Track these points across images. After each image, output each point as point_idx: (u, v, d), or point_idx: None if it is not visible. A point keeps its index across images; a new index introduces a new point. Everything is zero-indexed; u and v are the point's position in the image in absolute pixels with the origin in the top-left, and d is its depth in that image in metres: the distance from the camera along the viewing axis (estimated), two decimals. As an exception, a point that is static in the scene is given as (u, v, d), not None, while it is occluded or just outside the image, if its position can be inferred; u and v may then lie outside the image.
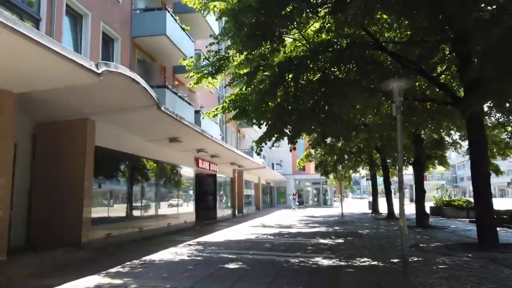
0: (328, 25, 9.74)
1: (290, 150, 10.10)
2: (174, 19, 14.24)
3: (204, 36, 17.35)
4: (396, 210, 21.31)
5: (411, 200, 32.07)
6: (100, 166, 9.69)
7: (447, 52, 10.28)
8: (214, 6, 9.33)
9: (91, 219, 9.06)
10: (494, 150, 17.82)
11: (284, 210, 31.92)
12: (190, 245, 10.04)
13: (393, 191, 23.54)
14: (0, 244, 6.39)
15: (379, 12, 9.73)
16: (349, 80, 9.26)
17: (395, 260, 7.51)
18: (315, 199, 44.85)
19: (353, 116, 11.20)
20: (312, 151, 24.22)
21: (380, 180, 27.89)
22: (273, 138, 10.37)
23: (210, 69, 10.64)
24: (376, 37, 9.87)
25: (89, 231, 8.80)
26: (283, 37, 9.35)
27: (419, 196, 14.76)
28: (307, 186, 44.93)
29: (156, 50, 14.55)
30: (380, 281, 5.92)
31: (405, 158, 18.15)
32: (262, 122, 10.78)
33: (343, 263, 7.27)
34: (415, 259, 7.46)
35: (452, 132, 16.35)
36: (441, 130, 14.22)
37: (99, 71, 6.25)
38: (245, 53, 9.49)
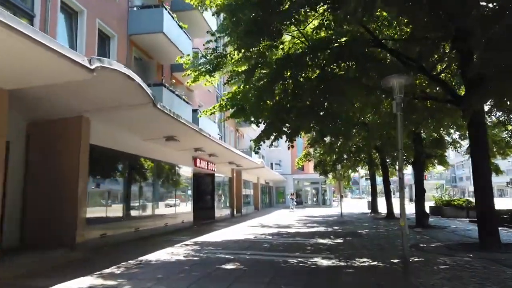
0: (327, 22, 9.62)
1: (288, 148, 9.96)
2: (172, 16, 14.09)
3: (202, 35, 17.20)
4: (396, 210, 21.24)
5: (411, 200, 31.95)
6: (96, 165, 9.53)
7: (447, 50, 10.14)
8: (211, 1, 9.18)
9: (86, 219, 8.91)
10: (494, 150, 17.71)
11: (283, 210, 31.79)
12: (187, 245, 9.89)
13: (392, 191, 23.45)
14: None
15: (379, 10, 9.64)
16: (349, 78, 9.12)
17: (395, 260, 7.37)
18: (314, 199, 44.74)
19: (352, 115, 11.06)
20: (311, 150, 24.09)
21: (379, 179, 27.82)
22: (272, 137, 10.24)
23: (208, 67, 10.48)
24: (375, 35, 9.74)
25: (84, 231, 8.65)
26: (282, 34, 9.19)
27: (419, 196, 14.64)
28: (306, 186, 44.84)
29: (153, 48, 14.39)
30: (380, 281, 5.78)
31: (404, 157, 18.02)
32: (260, 120, 10.64)
33: (342, 264, 7.13)
34: (416, 259, 7.32)
35: (451, 131, 16.26)
36: (442, 129, 14.09)
37: (92, 67, 6.10)
38: (242, 50, 9.36)
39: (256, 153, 10.48)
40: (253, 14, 8.11)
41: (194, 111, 16.38)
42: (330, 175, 26.84)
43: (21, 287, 5.64)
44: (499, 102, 8.82)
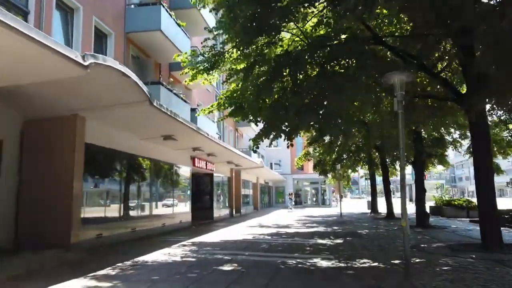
0: (326, 19, 9.47)
1: (287, 147, 9.80)
2: (170, 14, 13.92)
3: (200, 33, 17.02)
4: (396, 209, 21.12)
5: (411, 200, 31.84)
6: (91, 164, 9.38)
7: (448, 48, 9.99)
8: (208, -3, 9.03)
9: (82, 219, 8.75)
10: (495, 149, 17.58)
11: (283, 210, 31.64)
12: (184, 245, 9.74)
13: (392, 190, 23.31)
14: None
15: (379, 7, 9.51)
16: (348, 75, 8.97)
17: (396, 261, 7.23)
18: (314, 199, 44.61)
19: (352, 113, 10.90)
20: (311, 150, 23.94)
21: (378, 179, 27.68)
22: (271, 136, 10.09)
23: (206, 65, 10.33)
24: (375, 32, 9.59)
25: (79, 231, 8.48)
26: (280, 30, 9.05)
27: (420, 196, 14.48)
28: (305, 186, 44.70)
29: (151, 46, 14.22)
30: (381, 283, 5.64)
31: (406, 157, 17.88)
32: (259, 119, 10.48)
33: (342, 265, 6.98)
34: (417, 260, 7.17)
35: (452, 130, 16.11)
36: (442, 128, 13.94)
37: (86, 64, 5.94)
38: (241, 48, 9.21)
39: (255, 152, 10.34)
40: (251, 11, 7.95)
41: (193, 110, 16.22)
42: (329, 175, 26.69)
43: (12, 289, 5.50)
44: (501, 100, 8.69)
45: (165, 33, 13.34)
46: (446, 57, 10.39)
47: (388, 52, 10.08)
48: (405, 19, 10.17)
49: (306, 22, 10.01)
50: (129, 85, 7.50)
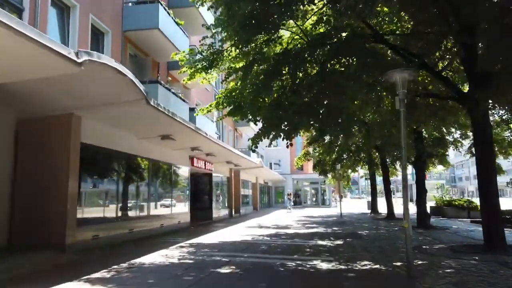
0: (326, 17, 9.32)
1: (287, 146, 9.63)
2: (168, 12, 13.76)
3: (199, 32, 16.79)
4: (396, 210, 20.97)
5: (411, 200, 31.68)
6: (88, 164, 9.21)
7: (449, 46, 9.83)
8: (206, -6, 8.87)
9: (78, 220, 8.58)
10: (496, 149, 17.41)
11: (282, 210, 31.47)
12: (182, 247, 9.58)
13: (392, 191, 23.16)
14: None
15: (380, 4, 9.37)
16: (349, 74, 8.82)
17: (398, 263, 7.08)
18: (314, 199, 44.46)
19: (352, 113, 10.74)
20: (310, 149, 23.79)
21: (379, 179, 27.52)
22: (271, 136, 9.93)
23: (204, 64, 10.17)
24: (376, 30, 9.44)
25: (74, 232, 8.31)
26: (279, 27, 8.89)
27: (420, 196, 14.32)
28: (305, 186, 44.55)
29: (148, 45, 14.06)
30: (384, 287, 5.48)
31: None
32: (258, 118, 10.33)
33: (343, 267, 6.82)
34: (419, 262, 7.01)
35: (452, 130, 15.97)
36: (444, 128, 13.78)
37: (80, 61, 5.78)
38: (239, 46, 9.05)
39: (253, 151, 10.16)
40: (250, 7, 7.79)
41: (191, 110, 16.06)
42: (329, 175, 26.54)
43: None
44: (505, 99, 8.54)
45: (163, 31, 13.18)
46: (447, 56, 10.25)
47: (389, 51, 9.94)
48: (406, 17, 10.06)
49: (305, 20, 9.87)
50: (125, 83, 7.34)
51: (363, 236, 11.91)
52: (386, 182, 21.73)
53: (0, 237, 7.79)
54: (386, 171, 21.58)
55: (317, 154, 23.53)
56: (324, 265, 6.97)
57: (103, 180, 10.55)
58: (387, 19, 10.29)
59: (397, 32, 10.00)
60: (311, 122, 9.28)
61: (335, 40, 9.08)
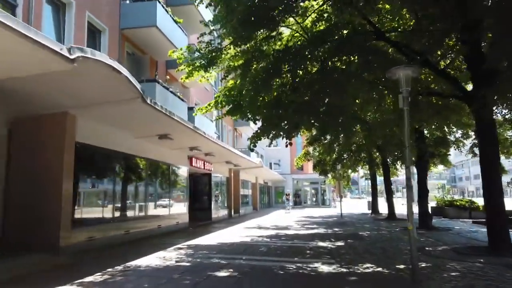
0: (327, 14, 9.14)
1: (286, 146, 9.42)
2: (166, 10, 13.55)
3: (198, 31, 16.53)
4: (397, 210, 20.77)
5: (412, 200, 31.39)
6: (83, 164, 9.01)
7: (452, 44, 9.63)
8: (204, -10, 8.67)
9: (72, 221, 8.38)
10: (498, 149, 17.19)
11: (282, 210, 31.23)
12: (180, 248, 9.38)
13: (392, 191, 22.96)
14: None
15: (381, 2, 9.18)
16: (350, 72, 8.62)
17: (401, 266, 6.87)
18: (314, 199, 44.25)
19: (354, 112, 10.55)
20: (311, 149, 23.59)
21: (379, 179, 27.31)
22: (270, 135, 9.73)
23: (202, 62, 9.96)
24: (377, 27, 9.24)
25: (69, 234, 8.10)
26: (279, 23, 8.69)
27: (422, 196, 14.11)
28: (305, 186, 44.34)
29: (146, 43, 13.85)
30: (387, 291, 5.29)
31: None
32: (257, 117, 10.13)
33: (344, 270, 6.62)
34: (423, 265, 6.80)
35: (454, 129, 15.76)
36: (446, 127, 13.57)
37: (72, 57, 5.59)
38: (238, 43, 8.85)
39: (252, 150, 9.93)
40: (249, 3, 7.59)
41: (190, 109, 15.84)
42: (329, 175, 26.34)
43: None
44: (506, 98, 8.33)
45: (161, 29, 12.97)
46: (450, 54, 10.05)
47: (390, 49, 9.74)
48: (407, 16, 9.87)
49: (305, 18, 9.68)
50: (121, 81, 7.13)
51: (364, 237, 11.71)
52: (387, 182, 21.53)
53: (-8, 239, 7.61)
54: (387, 171, 21.37)
55: (317, 154, 23.33)
56: (325, 268, 6.77)
57: (99, 180, 10.34)
58: (389, 16, 10.10)
59: (399, 29, 9.79)
60: (312, 121, 9.07)
61: (336, 37, 8.90)
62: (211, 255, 8.35)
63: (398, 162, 20.56)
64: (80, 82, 6.95)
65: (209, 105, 11.44)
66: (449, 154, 18.42)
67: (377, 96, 10.28)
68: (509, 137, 17.06)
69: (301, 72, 8.81)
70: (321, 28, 9.40)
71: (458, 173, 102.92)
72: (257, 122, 10.11)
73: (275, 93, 9.30)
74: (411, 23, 9.66)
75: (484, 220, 15.78)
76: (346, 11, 8.50)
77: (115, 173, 10.93)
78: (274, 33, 8.70)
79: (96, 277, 6.03)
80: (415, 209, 15.24)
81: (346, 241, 10.76)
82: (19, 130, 8.22)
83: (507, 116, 13.84)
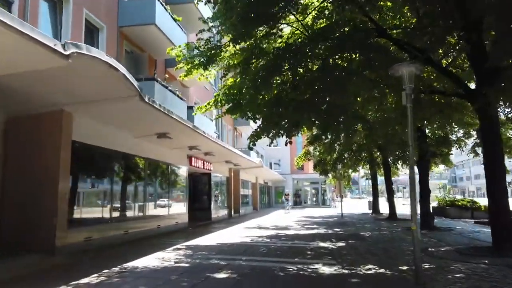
0: (327, 11, 9.00)
1: (286, 144, 9.26)
2: (165, 8, 13.41)
3: (198, 30, 16.45)
4: (397, 210, 20.62)
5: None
6: (80, 163, 8.88)
7: (454, 42, 9.49)
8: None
9: (69, 221, 8.25)
10: (501, 148, 17.04)
11: (282, 210, 31.10)
12: (179, 249, 9.23)
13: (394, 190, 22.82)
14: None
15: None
16: (351, 70, 8.47)
17: (404, 268, 6.73)
18: (314, 199, 44.11)
19: (355, 110, 10.40)
20: (311, 149, 23.44)
21: (380, 179, 27.16)
22: (271, 134, 9.59)
23: (201, 59, 9.82)
24: (379, 24, 9.10)
25: (65, 234, 7.96)
26: (279, 22, 8.56)
27: (424, 196, 13.95)
28: (305, 186, 44.21)
29: (145, 41, 13.71)
30: (390, 294, 5.15)
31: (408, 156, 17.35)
32: (257, 116, 9.98)
33: (346, 271, 6.47)
34: (426, 266, 6.64)
35: (456, 128, 15.62)
36: (448, 126, 13.42)
37: (67, 53, 5.45)
38: (238, 40, 8.71)
39: (251, 149, 9.78)
40: (248, 0, 7.46)
41: (190, 108, 15.69)
42: (330, 175, 26.19)
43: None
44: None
45: (160, 27, 12.82)
46: (452, 52, 9.91)
47: (392, 47, 9.60)
48: (408, 14, 9.73)
49: (306, 16, 9.55)
50: (118, 79, 6.99)
51: (365, 238, 11.57)
52: (388, 182, 21.39)
53: (-13, 239, 7.47)
54: (388, 171, 21.22)
55: (317, 153, 23.18)
56: (326, 269, 6.62)
57: (97, 180, 10.21)
58: (390, 14, 9.97)
59: (401, 27, 9.65)
60: (313, 120, 8.92)
61: (337, 34, 8.75)
62: (211, 255, 8.21)
63: (399, 161, 20.40)
64: (76, 80, 6.82)
65: (208, 103, 11.30)
66: (451, 154, 18.25)
67: (378, 95, 10.14)
68: (511, 136, 16.87)
69: (301, 70, 8.66)
70: (322, 25, 9.26)
71: (459, 173, 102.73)
72: (257, 121, 9.96)
73: (275, 91, 9.16)
74: (413, 21, 9.52)
75: (486, 220, 15.72)
76: (347, 9, 8.37)
77: (113, 172, 10.79)
78: (274, 30, 8.54)
79: (92, 279, 5.88)
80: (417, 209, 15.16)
81: (347, 241, 10.62)
82: (15, 129, 8.09)
83: (510, 115, 13.70)
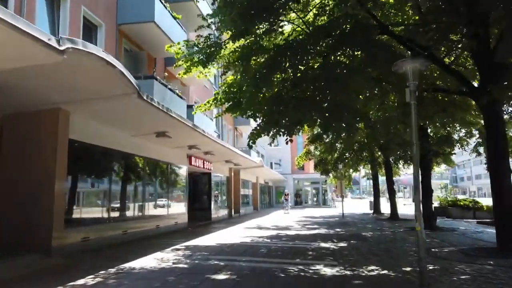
0: (328, 7, 8.85)
1: (286, 143, 9.10)
2: (164, 5, 13.26)
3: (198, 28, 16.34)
4: (399, 210, 20.46)
5: (414, 200, 31.06)
6: (77, 161, 8.74)
7: (457, 38, 9.33)
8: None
9: (67, 221, 8.11)
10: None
11: (283, 211, 30.96)
12: (177, 249, 9.08)
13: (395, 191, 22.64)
14: None
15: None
16: (353, 67, 8.32)
17: (408, 269, 6.56)
18: (315, 199, 43.95)
19: (357, 109, 10.24)
20: (312, 148, 23.28)
21: (381, 179, 26.99)
22: (271, 132, 9.43)
23: (200, 57, 9.67)
24: (381, 21, 8.95)
25: (62, 234, 7.82)
26: (280, 18, 8.40)
27: (426, 196, 13.78)
28: (306, 186, 44.05)
29: (144, 40, 13.56)
30: (394, 296, 4.99)
31: (410, 156, 17.20)
32: (258, 115, 9.82)
33: (348, 272, 6.32)
34: (431, 267, 6.49)
35: (458, 128, 15.46)
36: (452, 124, 13.26)
37: (62, 48, 5.30)
38: (238, 37, 8.56)
39: (250, 147, 9.61)
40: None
41: (189, 107, 15.54)
42: (331, 175, 26.02)
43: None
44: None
45: (159, 25, 12.67)
46: (455, 51, 9.76)
47: (393, 44, 9.44)
48: (410, 12, 9.58)
49: (307, 13, 9.40)
50: (115, 76, 6.84)
51: (367, 238, 11.41)
52: (389, 182, 21.22)
53: (-17, 239, 7.33)
54: (389, 170, 21.06)
55: (318, 153, 23.02)
56: (328, 270, 6.47)
57: (95, 179, 10.06)
58: (392, 11, 9.82)
59: (404, 23, 9.49)
60: (314, 118, 8.76)
61: (339, 32, 8.60)
62: (210, 256, 8.06)
63: (401, 161, 20.25)
64: (72, 77, 6.67)
65: (208, 102, 11.15)
66: (454, 153, 18.08)
67: (380, 93, 9.99)
68: (514, 135, 16.67)
69: (302, 68, 8.50)
70: (323, 22, 9.11)
71: (460, 173, 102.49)
72: (257, 119, 9.81)
73: (275, 89, 9.01)
74: (416, 18, 9.37)
75: (488, 220, 15.60)
76: (348, 6, 8.22)
77: (112, 171, 10.64)
78: (275, 27, 8.39)
79: (87, 280, 5.74)
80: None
81: (349, 242, 10.46)
82: (9, 127, 7.96)
83: (513, 114, 13.54)
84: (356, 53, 8.60)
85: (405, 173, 35.80)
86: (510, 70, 7.31)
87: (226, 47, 9.56)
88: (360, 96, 9.52)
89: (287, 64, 8.31)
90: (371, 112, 12.26)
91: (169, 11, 13.63)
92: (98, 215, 9.72)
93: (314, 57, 8.70)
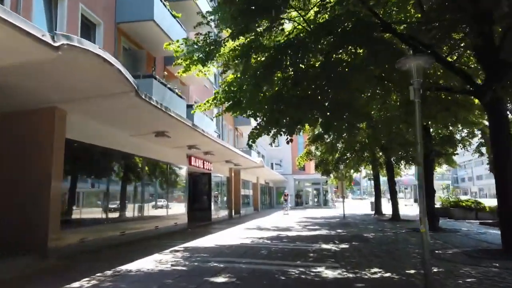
0: (330, 5, 8.71)
1: (287, 143, 8.95)
2: (164, 4, 13.13)
3: (197, 27, 16.20)
4: (401, 211, 20.28)
5: (415, 201, 30.98)
6: (74, 162, 8.60)
7: (460, 36, 9.18)
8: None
9: (64, 222, 7.96)
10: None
11: (283, 211, 30.78)
12: (176, 251, 8.94)
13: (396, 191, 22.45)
14: None
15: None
16: (355, 65, 8.17)
17: (411, 271, 6.41)
18: (315, 200, 43.77)
19: (358, 108, 10.10)
20: (313, 148, 23.11)
21: (382, 180, 26.82)
22: (272, 132, 9.29)
23: (200, 55, 9.54)
24: (383, 19, 8.80)
25: (58, 236, 7.66)
26: (280, 16, 8.25)
27: (429, 196, 13.60)
28: (307, 187, 43.87)
29: (143, 38, 13.43)
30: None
31: (412, 156, 17.04)
32: (258, 114, 9.69)
33: (350, 275, 6.16)
34: (435, 270, 6.32)
35: (460, 128, 15.32)
36: (455, 124, 13.11)
37: (56, 44, 5.16)
38: (238, 36, 8.43)
39: (250, 147, 9.48)
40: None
41: (189, 107, 15.40)
42: (331, 175, 25.84)
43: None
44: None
45: (158, 23, 12.54)
46: (457, 49, 9.61)
47: (395, 42, 9.30)
48: (412, 10, 9.43)
49: (307, 11, 9.26)
50: (112, 74, 6.69)
51: (369, 239, 11.25)
52: (391, 183, 21.05)
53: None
54: (391, 171, 20.89)
55: (319, 153, 22.86)
56: (329, 273, 6.32)
57: (93, 179, 9.91)
58: (395, 8, 9.68)
59: (407, 21, 9.35)
60: (315, 117, 8.62)
61: (340, 29, 8.46)
62: (209, 258, 7.91)
63: (402, 161, 20.09)
64: (68, 74, 6.52)
65: (207, 101, 11.02)
66: (457, 153, 17.91)
67: (382, 92, 9.85)
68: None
69: (303, 66, 8.36)
70: (324, 20, 8.98)
71: (461, 173, 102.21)
72: (257, 118, 9.67)
73: (276, 88, 8.87)
74: (419, 15, 9.23)
75: (491, 221, 15.43)
76: (349, 3, 8.08)
77: (110, 171, 10.50)
78: (275, 24, 8.24)
79: (83, 283, 5.59)
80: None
81: (350, 243, 10.30)
82: (5, 127, 7.79)
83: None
84: (358, 51, 8.47)
85: (406, 174, 35.63)
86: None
87: (226, 45, 9.42)
88: (362, 95, 9.37)
89: (288, 63, 8.18)
90: (372, 112, 12.13)
91: (168, 10, 13.50)
92: (96, 215, 9.58)
93: (315, 55, 8.55)
